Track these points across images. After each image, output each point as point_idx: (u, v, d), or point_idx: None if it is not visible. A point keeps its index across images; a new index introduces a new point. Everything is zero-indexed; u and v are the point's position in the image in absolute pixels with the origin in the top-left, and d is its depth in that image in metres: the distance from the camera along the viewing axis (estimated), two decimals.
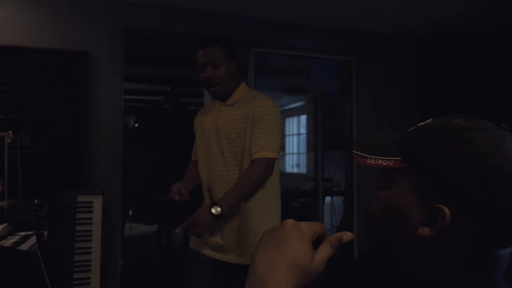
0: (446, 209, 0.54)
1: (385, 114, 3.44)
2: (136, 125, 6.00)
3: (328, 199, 4.97)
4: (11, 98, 2.46)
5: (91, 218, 2.40)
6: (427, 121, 0.63)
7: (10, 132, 2.05)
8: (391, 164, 0.61)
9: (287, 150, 6.75)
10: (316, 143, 3.92)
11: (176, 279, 4.16)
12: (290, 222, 0.55)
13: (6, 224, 1.84)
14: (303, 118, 6.25)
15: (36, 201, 1.58)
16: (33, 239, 1.73)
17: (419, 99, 3.54)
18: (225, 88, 1.75)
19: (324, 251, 0.52)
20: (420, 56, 3.54)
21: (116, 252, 2.69)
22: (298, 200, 4.68)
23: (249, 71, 3.15)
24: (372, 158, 0.63)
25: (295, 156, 6.63)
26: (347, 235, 0.54)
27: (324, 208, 4.93)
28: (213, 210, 1.51)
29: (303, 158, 6.24)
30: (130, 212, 6.12)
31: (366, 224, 0.68)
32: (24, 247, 1.64)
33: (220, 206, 1.53)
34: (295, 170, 6.56)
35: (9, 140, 2.06)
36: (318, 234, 0.54)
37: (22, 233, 1.84)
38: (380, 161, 0.62)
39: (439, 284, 0.59)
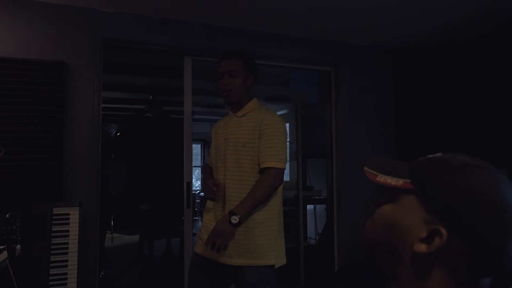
0: (444, 231, 0.60)
1: (363, 122, 3.49)
2: (118, 134, 5.94)
3: (311, 207, 5.00)
4: None
5: (67, 231, 2.37)
6: (437, 154, 0.70)
7: None
8: (399, 184, 0.67)
9: None
10: (297, 151, 3.95)
11: None
12: None
13: None
14: (286, 126, 6.28)
15: (7, 215, 1.55)
16: (4, 254, 1.70)
17: (396, 107, 3.61)
18: (236, 96, 1.92)
19: None
20: (396, 66, 3.63)
21: (94, 264, 2.65)
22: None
23: None
24: (382, 176, 0.69)
25: None
26: None
27: (308, 216, 4.96)
28: (232, 220, 1.67)
29: (286, 166, 6.24)
30: (112, 223, 6.03)
31: (363, 236, 0.72)
32: None
33: (237, 215, 1.68)
34: None
35: None
36: None
37: None
38: (389, 180, 0.68)
39: None
